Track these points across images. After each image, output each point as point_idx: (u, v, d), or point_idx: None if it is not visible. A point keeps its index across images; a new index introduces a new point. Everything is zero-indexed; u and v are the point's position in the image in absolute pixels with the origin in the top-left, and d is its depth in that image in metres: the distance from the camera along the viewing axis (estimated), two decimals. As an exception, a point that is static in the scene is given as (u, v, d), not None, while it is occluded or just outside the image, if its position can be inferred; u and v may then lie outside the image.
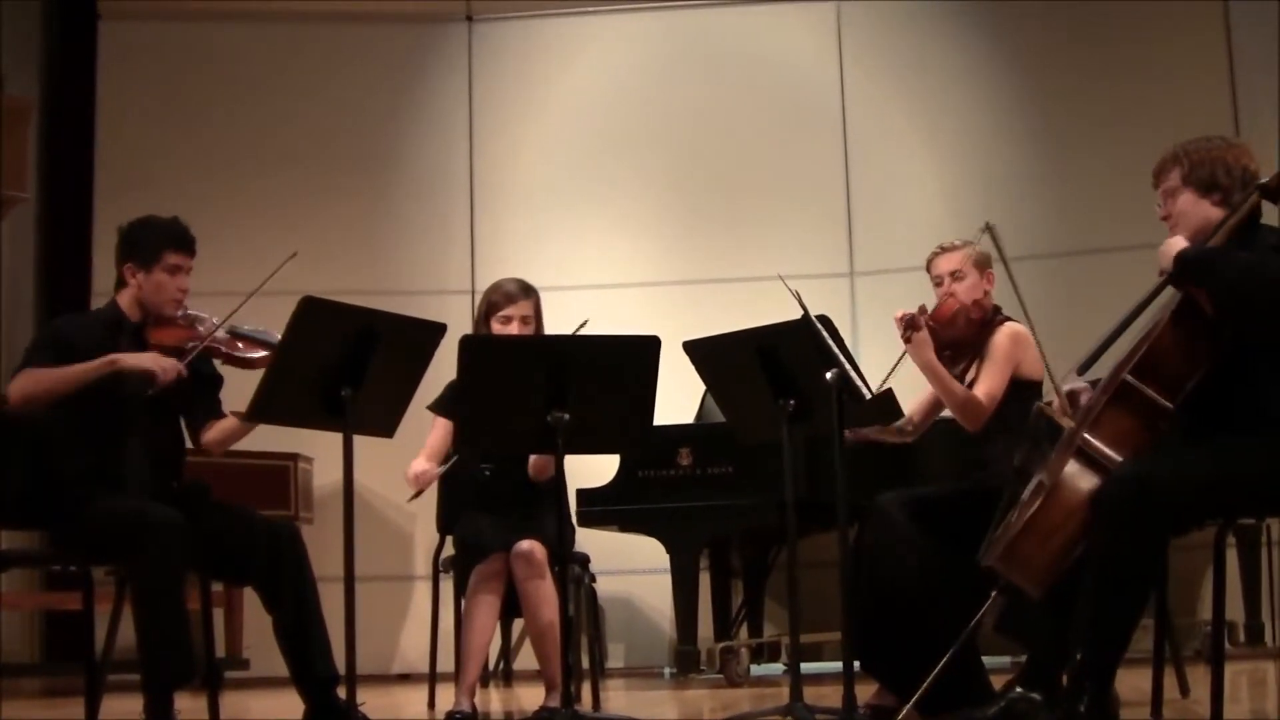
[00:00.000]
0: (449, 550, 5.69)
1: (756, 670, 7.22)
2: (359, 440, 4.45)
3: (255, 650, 7.49)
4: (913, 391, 5.10)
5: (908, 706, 4.32)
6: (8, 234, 8.24)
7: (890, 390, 4.78)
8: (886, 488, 4.81)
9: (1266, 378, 3.77)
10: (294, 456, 7.81)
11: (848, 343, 4.66)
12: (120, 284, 4.84)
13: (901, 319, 4.89)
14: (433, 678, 6.00)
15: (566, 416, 4.46)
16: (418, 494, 5.24)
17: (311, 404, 4.42)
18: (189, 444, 4.98)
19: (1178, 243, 3.85)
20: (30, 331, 8.19)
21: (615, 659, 8.27)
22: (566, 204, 8.75)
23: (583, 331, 4.78)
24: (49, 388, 4.55)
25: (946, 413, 5.10)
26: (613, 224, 8.71)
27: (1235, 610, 6.87)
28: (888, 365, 4.86)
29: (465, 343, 4.51)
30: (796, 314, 4.58)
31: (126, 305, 4.82)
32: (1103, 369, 3.99)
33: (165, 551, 4.36)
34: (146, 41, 8.74)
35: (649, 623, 8.32)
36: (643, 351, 4.56)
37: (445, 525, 5.80)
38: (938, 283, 5.14)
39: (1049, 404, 4.26)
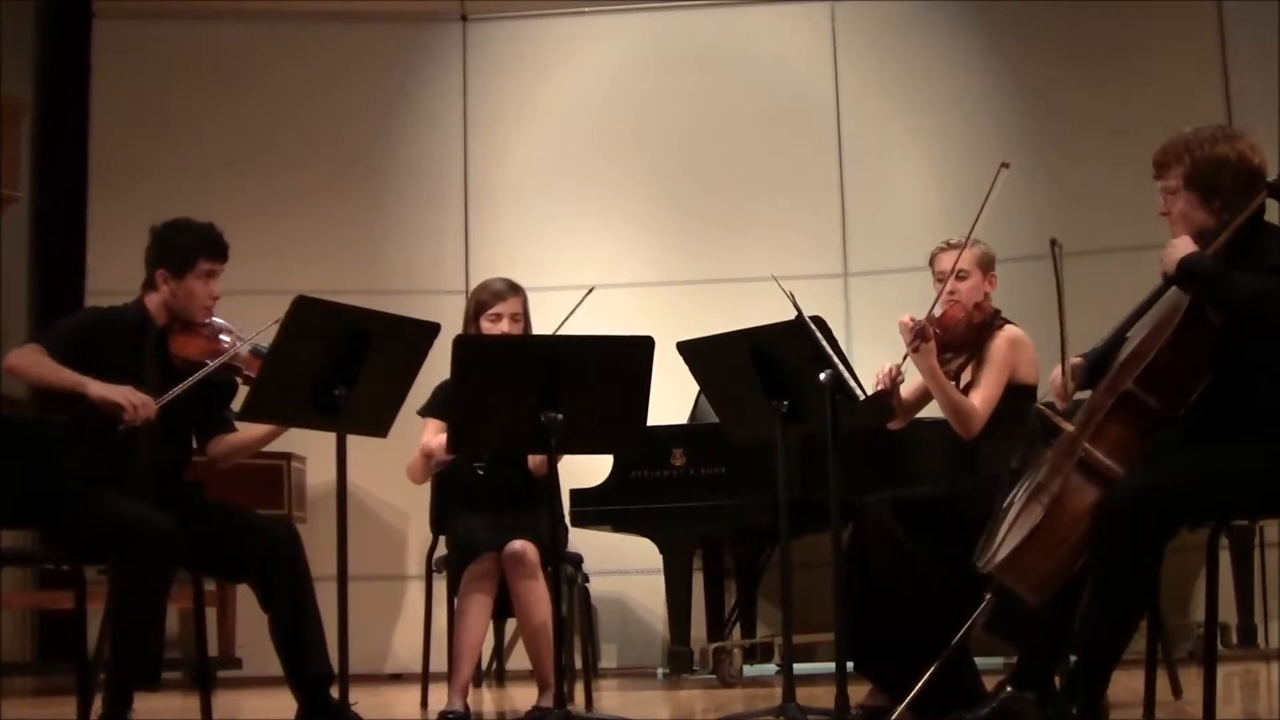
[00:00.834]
0: (442, 550, 5.69)
1: (749, 671, 7.22)
2: (352, 440, 4.45)
3: (248, 649, 7.48)
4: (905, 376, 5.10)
5: (900, 707, 4.32)
6: (2, 233, 8.22)
7: (883, 392, 4.79)
8: (880, 488, 4.82)
9: (1261, 380, 3.77)
10: (287, 456, 7.80)
11: (841, 344, 4.67)
12: (149, 285, 4.79)
13: (911, 327, 4.86)
14: (425, 677, 6.00)
15: (560, 416, 4.47)
16: (432, 462, 5.32)
17: (305, 403, 4.42)
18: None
19: (1184, 245, 3.81)
20: (24, 331, 8.19)
21: (608, 659, 8.27)
22: (561, 204, 8.75)
23: (587, 302, 4.75)
24: (29, 375, 4.59)
25: (939, 414, 5.10)
26: (607, 224, 8.71)
27: (1228, 612, 6.87)
28: (881, 365, 4.87)
29: (459, 342, 4.52)
30: (790, 315, 4.59)
31: (154, 307, 4.77)
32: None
33: (153, 559, 4.35)
34: (141, 40, 8.73)
35: (642, 623, 8.32)
36: (636, 352, 4.56)
37: (438, 525, 5.80)
38: (939, 279, 5.11)
39: (1046, 404, 4.26)
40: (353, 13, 8.87)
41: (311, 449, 7.72)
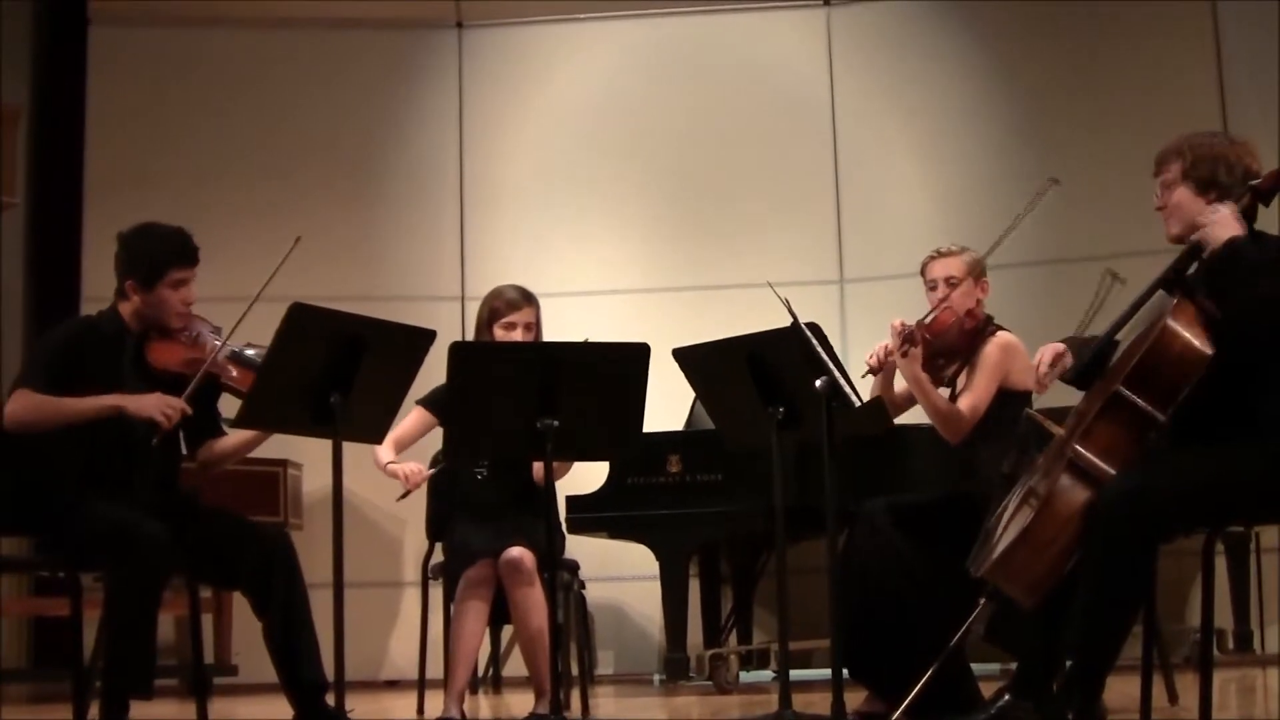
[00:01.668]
0: (438, 556, 5.69)
1: (746, 677, 7.21)
2: (348, 446, 4.45)
3: (244, 656, 7.48)
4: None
5: (897, 713, 4.33)
6: (-3, 239, 8.24)
7: (880, 398, 4.79)
8: (875, 494, 4.83)
9: (1255, 384, 3.77)
10: (283, 462, 7.80)
11: (837, 350, 4.67)
12: (121, 294, 4.74)
13: (900, 331, 4.87)
14: (421, 684, 6.00)
15: (556, 423, 4.47)
16: (406, 494, 5.25)
17: (300, 410, 4.42)
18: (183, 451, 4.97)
19: (1231, 223, 3.77)
20: (20, 337, 8.19)
21: (604, 666, 8.27)
22: (556, 210, 8.75)
23: (583, 307, 4.76)
24: (46, 419, 4.48)
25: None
26: (603, 230, 8.71)
27: (1224, 617, 6.88)
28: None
29: (455, 349, 4.51)
30: (786, 321, 4.59)
31: (128, 315, 4.73)
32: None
33: (146, 567, 4.35)
34: (137, 46, 8.72)
35: (638, 629, 8.31)
36: (632, 358, 4.56)
37: (434, 531, 5.79)
38: (931, 286, 5.12)
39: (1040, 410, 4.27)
40: (348, 19, 8.87)
41: (308, 456, 7.73)
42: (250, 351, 4.76)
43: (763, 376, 4.66)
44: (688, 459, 6.70)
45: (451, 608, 5.32)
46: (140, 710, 4.43)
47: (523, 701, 5.81)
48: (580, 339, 4.89)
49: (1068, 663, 3.69)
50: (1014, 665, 4.36)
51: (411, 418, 5.45)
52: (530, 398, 4.47)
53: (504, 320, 5.44)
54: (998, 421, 4.88)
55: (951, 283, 5.06)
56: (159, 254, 4.69)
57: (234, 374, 4.70)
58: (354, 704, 4.51)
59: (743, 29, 8.85)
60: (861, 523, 4.72)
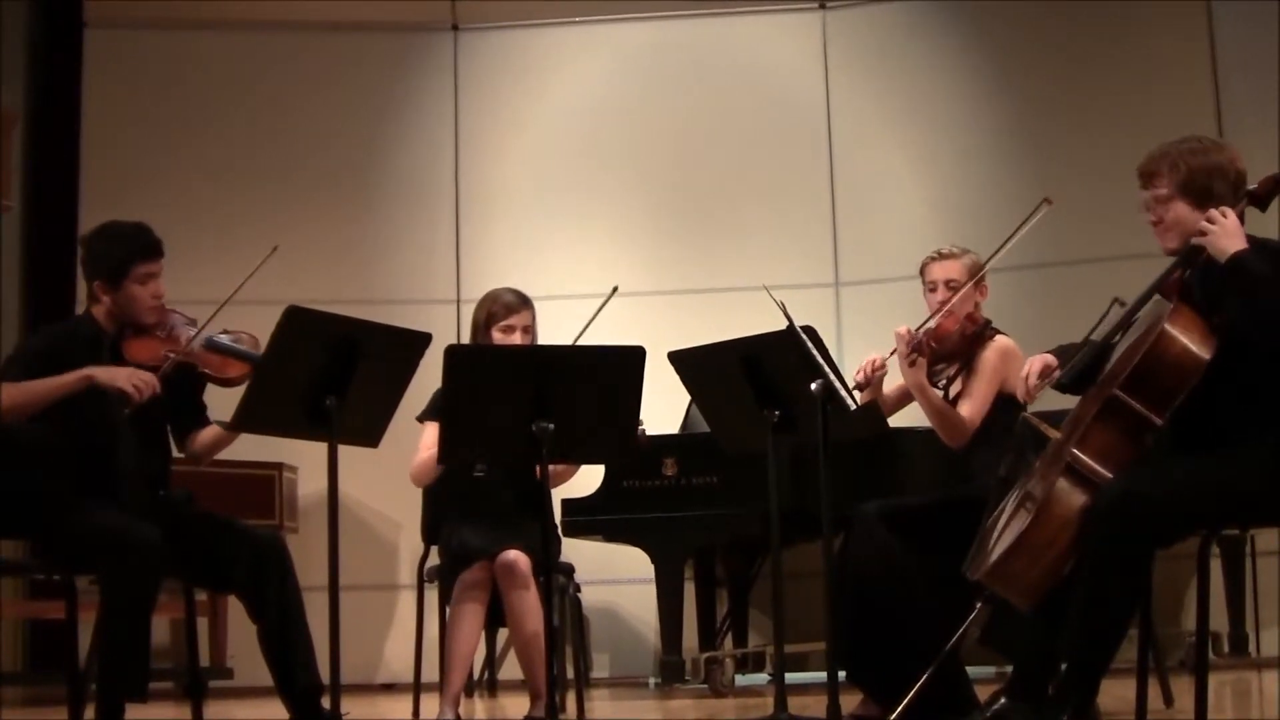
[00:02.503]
0: (434, 560, 5.69)
1: (741, 680, 7.22)
2: (344, 450, 4.45)
3: (239, 659, 7.47)
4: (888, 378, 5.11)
5: (892, 716, 4.32)
6: (-7, 243, 8.23)
7: (876, 401, 4.79)
8: (871, 498, 4.82)
9: (1252, 391, 3.78)
10: (279, 466, 7.80)
11: (833, 353, 4.67)
12: (92, 297, 4.75)
13: (907, 340, 4.87)
14: (417, 688, 5.99)
15: (551, 426, 4.46)
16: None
17: (296, 414, 4.41)
18: (175, 452, 4.97)
19: (1235, 236, 3.75)
20: (14, 340, 8.17)
21: (600, 669, 8.27)
22: (552, 213, 8.75)
23: (579, 309, 4.76)
24: (24, 401, 4.49)
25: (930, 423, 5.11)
26: (598, 234, 8.71)
27: (1219, 620, 6.88)
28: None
29: (450, 352, 4.51)
30: (782, 324, 4.59)
31: (102, 317, 4.74)
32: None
33: (138, 571, 4.35)
34: (133, 50, 8.72)
35: (634, 633, 8.31)
36: (628, 361, 4.55)
37: (430, 534, 5.79)
38: (931, 288, 5.13)
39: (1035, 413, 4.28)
40: (344, 22, 8.87)
41: (303, 459, 7.72)
42: (224, 337, 4.78)
43: (758, 379, 4.67)
44: (683, 462, 6.71)
45: (447, 611, 5.32)
46: (135, 713, 4.43)
47: (518, 704, 5.81)
48: (576, 342, 4.89)
49: (1063, 666, 3.69)
50: (1010, 668, 4.36)
51: (429, 431, 5.44)
52: (525, 401, 4.47)
53: (502, 323, 5.44)
54: (995, 425, 4.88)
55: (952, 286, 5.07)
56: (122, 251, 4.70)
57: (213, 362, 4.72)
58: (350, 707, 4.51)
59: (738, 32, 8.85)
60: (857, 526, 4.72)
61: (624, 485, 6.74)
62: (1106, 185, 7.82)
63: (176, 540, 4.50)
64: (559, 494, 6.34)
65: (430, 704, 5.49)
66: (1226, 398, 3.78)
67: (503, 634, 7.32)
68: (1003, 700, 4.07)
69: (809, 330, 4.57)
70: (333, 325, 4.44)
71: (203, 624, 7.12)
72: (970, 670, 4.67)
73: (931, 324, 4.99)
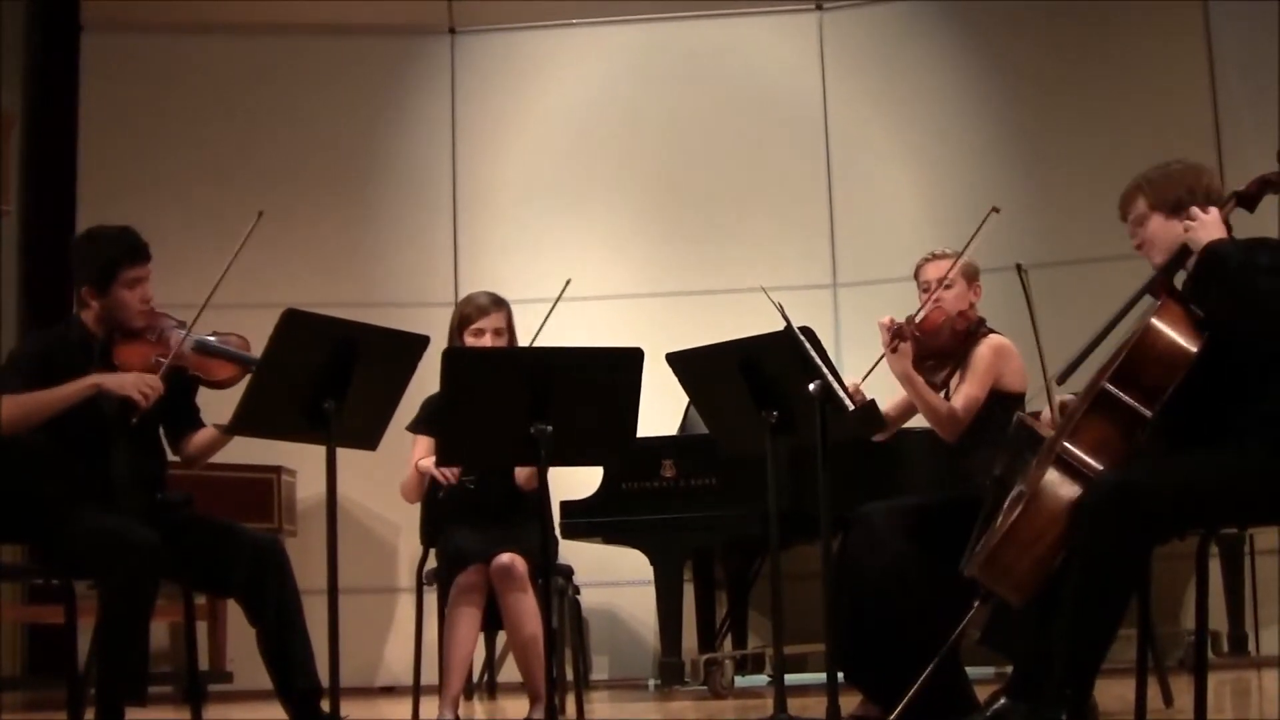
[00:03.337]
0: (432, 562, 5.69)
1: (741, 681, 7.22)
2: (342, 453, 4.44)
3: (239, 663, 7.47)
4: (890, 391, 5.11)
5: (892, 717, 4.32)
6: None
7: (873, 401, 4.79)
8: (869, 499, 4.82)
9: (1245, 388, 3.79)
10: (277, 469, 7.79)
11: (830, 354, 4.67)
12: (81, 302, 4.75)
13: (889, 326, 4.89)
14: (417, 690, 5.99)
15: (549, 428, 4.46)
16: (446, 491, 5.31)
17: (294, 416, 4.40)
18: (171, 455, 4.97)
19: (1214, 227, 3.82)
20: (12, 344, 8.16)
21: (599, 671, 8.26)
22: (549, 216, 8.75)
23: (577, 312, 4.74)
24: (31, 411, 4.50)
25: (929, 424, 5.11)
26: (596, 236, 8.71)
27: (1218, 620, 6.88)
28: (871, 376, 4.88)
29: (448, 355, 4.51)
30: (779, 325, 4.59)
31: (91, 323, 4.74)
32: (1082, 378, 3.99)
33: (136, 574, 4.36)
34: (129, 53, 8.72)
35: (633, 634, 8.31)
36: (626, 363, 4.55)
37: (428, 537, 5.79)
38: (924, 289, 5.14)
39: (1031, 414, 4.28)
40: (341, 26, 8.87)
41: (302, 462, 7.71)
42: (213, 339, 4.79)
43: (756, 381, 4.67)
44: (682, 464, 6.71)
45: (445, 614, 5.32)
46: (135, 717, 4.43)
47: (518, 707, 5.81)
48: (568, 341, 4.88)
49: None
50: (1009, 668, 4.36)
51: (420, 446, 5.44)
52: (523, 403, 4.46)
53: (473, 326, 5.44)
54: (993, 425, 4.88)
55: (946, 285, 5.07)
56: (108, 256, 4.70)
57: (204, 364, 4.73)
58: (349, 710, 4.50)
59: (734, 34, 8.85)
60: (856, 527, 4.72)
61: (622, 487, 6.74)
62: (1103, 186, 7.73)
63: (175, 544, 4.51)
64: (557, 496, 6.34)
65: (430, 706, 5.49)
66: (1221, 393, 3.80)
67: (501, 637, 7.32)
68: (1002, 700, 4.08)
69: (807, 331, 4.56)
70: (331, 328, 4.44)
71: (202, 628, 7.13)
72: (970, 670, 4.67)
73: (918, 317, 5.01)
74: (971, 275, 5.14)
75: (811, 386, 4.51)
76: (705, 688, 6.87)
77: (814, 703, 5.35)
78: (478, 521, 5.38)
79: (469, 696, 7.25)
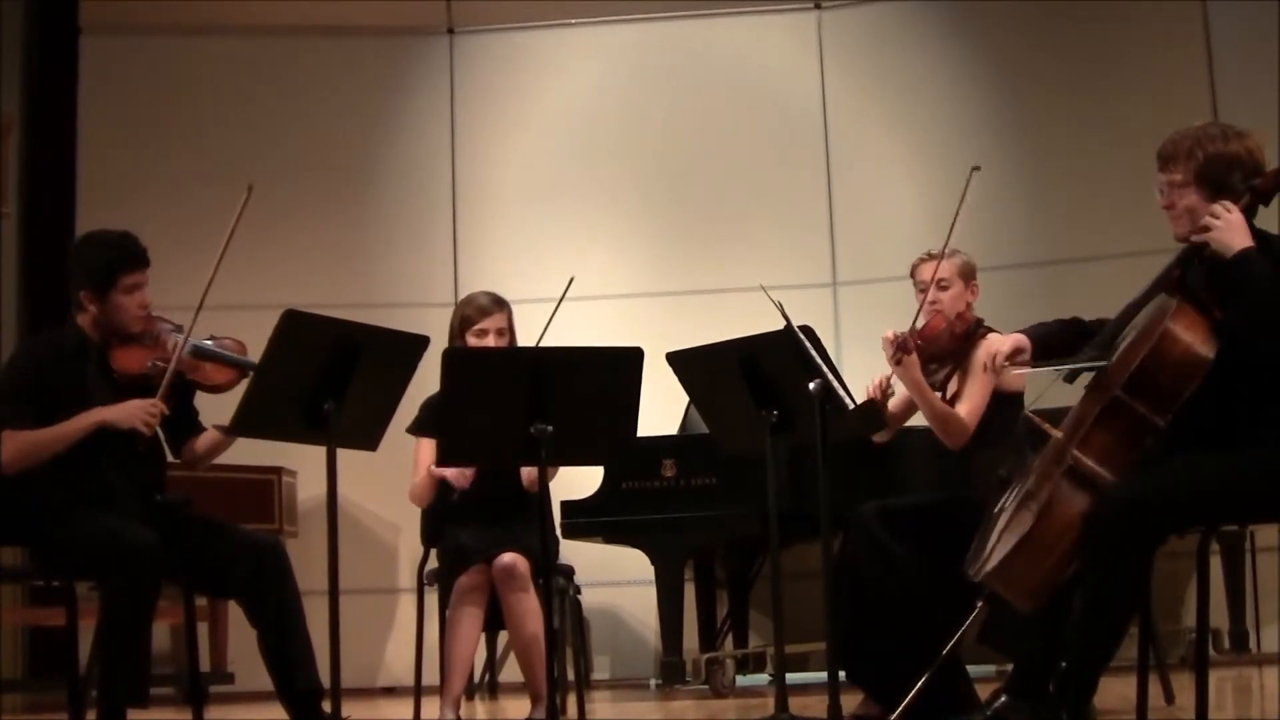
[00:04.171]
0: (433, 563, 5.68)
1: (742, 681, 7.22)
2: (342, 453, 4.44)
3: (240, 664, 7.47)
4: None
5: (893, 716, 4.32)
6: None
7: (873, 401, 4.79)
8: (870, 498, 4.82)
9: (1257, 390, 3.76)
10: (278, 470, 7.79)
11: (831, 353, 4.67)
12: (78, 306, 4.74)
13: (892, 341, 4.86)
14: (418, 691, 5.99)
15: (550, 428, 4.46)
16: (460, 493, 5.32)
17: (294, 418, 4.40)
18: (170, 457, 4.97)
19: (1241, 231, 3.72)
20: (12, 347, 8.16)
21: (600, 670, 8.27)
22: (549, 215, 8.75)
23: (577, 312, 4.76)
24: (32, 453, 4.52)
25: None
26: (596, 235, 8.71)
27: (1219, 617, 6.88)
28: (871, 375, 4.87)
29: (448, 355, 4.51)
30: (779, 324, 4.59)
31: (87, 327, 4.73)
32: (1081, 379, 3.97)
33: (136, 576, 4.37)
34: (128, 55, 8.72)
35: (634, 634, 8.31)
36: (626, 363, 4.55)
37: (429, 537, 5.79)
38: (921, 289, 5.13)
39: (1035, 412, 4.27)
40: (340, 27, 8.87)
41: (302, 463, 7.72)
42: (210, 343, 4.78)
43: (756, 380, 4.67)
44: (682, 463, 6.71)
45: (446, 614, 5.32)
46: (137, 718, 4.43)
47: (519, 707, 5.81)
48: (569, 340, 4.88)
49: (1062, 664, 3.69)
50: (1009, 667, 4.36)
51: (425, 449, 5.43)
52: (524, 403, 4.46)
53: (475, 327, 5.43)
54: (993, 425, 4.88)
55: (942, 285, 5.06)
56: (108, 261, 4.70)
57: (201, 370, 4.73)
58: (350, 711, 4.50)
59: (733, 33, 8.85)
60: (857, 526, 4.72)
61: (623, 487, 6.74)
62: (1102, 184, 7.84)
63: (175, 545, 4.51)
64: (558, 496, 6.34)
65: (431, 707, 5.49)
66: (1231, 396, 3.76)
67: (503, 636, 7.32)
68: (1003, 699, 4.07)
69: (807, 330, 4.57)
70: (331, 329, 4.44)
71: (203, 629, 7.12)
72: (970, 670, 4.68)
73: (919, 324, 4.99)
74: (968, 274, 5.13)
75: (811, 385, 4.51)
76: (706, 687, 6.87)
77: (815, 701, 5.34)
78: (480, 522, 5.38)
79: (470, 697, 7.25)
